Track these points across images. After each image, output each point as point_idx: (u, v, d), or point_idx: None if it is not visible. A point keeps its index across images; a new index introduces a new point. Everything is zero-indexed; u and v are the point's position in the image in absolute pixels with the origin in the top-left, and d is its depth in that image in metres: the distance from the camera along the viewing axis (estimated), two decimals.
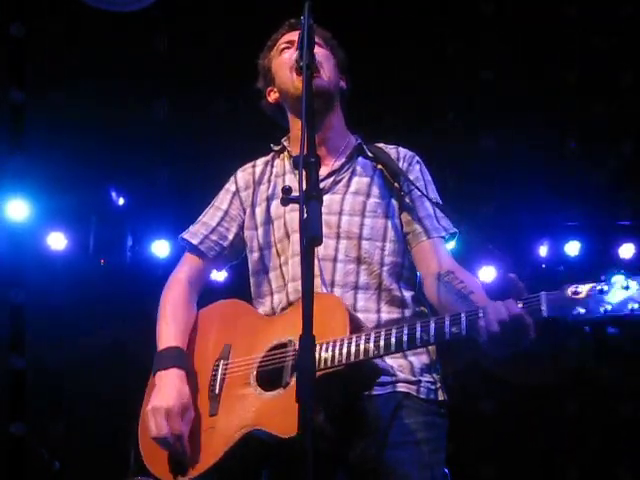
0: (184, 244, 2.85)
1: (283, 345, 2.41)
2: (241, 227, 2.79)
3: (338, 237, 2.58)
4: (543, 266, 7.07)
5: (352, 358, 2.24)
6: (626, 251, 6.85)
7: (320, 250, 2.51)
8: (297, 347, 2.24)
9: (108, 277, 6.85)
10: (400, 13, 5.59)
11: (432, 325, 2.20)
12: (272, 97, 2.83)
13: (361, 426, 2.42)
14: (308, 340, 1.89)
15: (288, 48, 2.75)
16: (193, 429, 2.45)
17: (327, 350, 2.27)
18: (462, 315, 2.17)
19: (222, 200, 2.84)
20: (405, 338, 2.22)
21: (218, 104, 6.19)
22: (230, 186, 2.85)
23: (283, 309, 2.60)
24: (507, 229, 6.99)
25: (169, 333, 2.63)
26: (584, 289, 2.09)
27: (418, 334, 2.20)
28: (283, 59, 2.74)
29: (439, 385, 2.57)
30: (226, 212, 2.81)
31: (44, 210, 6.67)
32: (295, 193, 2.07)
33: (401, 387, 2.48)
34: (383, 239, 2.60)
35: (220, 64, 5.60)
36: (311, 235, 1.93)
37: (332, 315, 2.29)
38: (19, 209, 6.59)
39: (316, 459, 1.86)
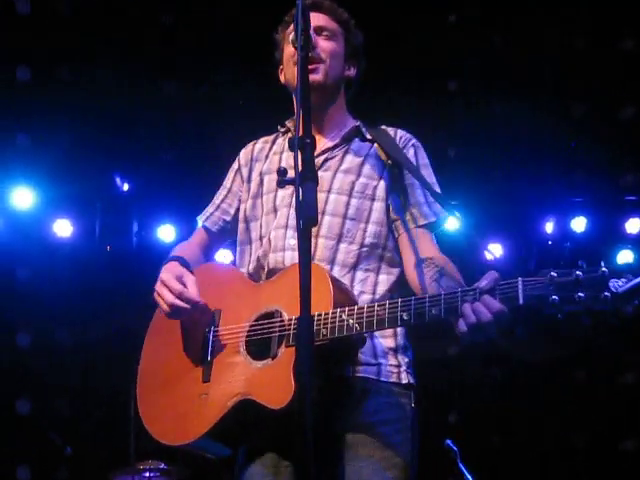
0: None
1: (270, 314, 2.43)
2: (240, 201, 2.87)
3: (322, 214, 2.61)
4: (549, 243, 7.07)
5: (336, 333, 2.27)
6: (633, 226, 6.84)
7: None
8: (283, 317, 2.37)
9: (114, 263, 6.87)
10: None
11: (413, 305, 2.23)
12: (282, 78, 2.89)
13: (337, 400, 2.44)
14: (306, 321, 1.90)
15: None
16: (188, 394, 2.50)
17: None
18: (441, 297, 2.20)
19: (228, 178, 2.96)
20: (387, 317, 2.25)
21: (222, 88, 6.16)
22: (234, 164, 2.96)
23: (267, 277, 2.62)
24: (513, 206, 6.98)
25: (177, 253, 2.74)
26: (561, 276, 2.04)
27: (398, 314, 2.24)
28: (289, 51, 2.75)
29: (404, 368, 2.59)
30: (229, 190, 2.92)
31: (49, 198, 6.68)
32: (291, 173, 2.08)
33: (359, 372, 2.50)
34: (366, 220, 2.63)
35: (226, 44, 5.55)
36: (307, 215, 1.96)
37: (316, 287, 2.25)
38: (24, 197, 6.61)
39: (301, 429, 1.86)
